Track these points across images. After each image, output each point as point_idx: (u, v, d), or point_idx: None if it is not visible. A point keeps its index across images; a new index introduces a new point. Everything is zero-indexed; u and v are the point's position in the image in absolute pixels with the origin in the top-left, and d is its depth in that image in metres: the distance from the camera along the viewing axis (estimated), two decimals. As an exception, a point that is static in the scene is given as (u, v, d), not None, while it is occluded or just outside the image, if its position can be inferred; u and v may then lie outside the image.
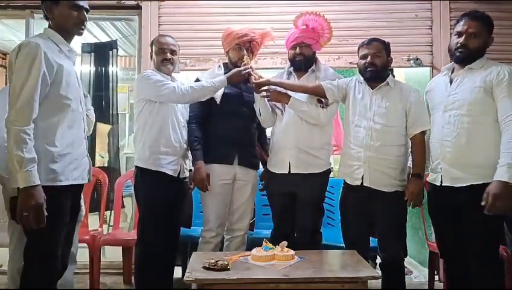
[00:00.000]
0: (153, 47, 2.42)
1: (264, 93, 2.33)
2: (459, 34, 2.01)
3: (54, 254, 1.69)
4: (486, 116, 1.93)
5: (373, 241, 2.36)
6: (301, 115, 2.33)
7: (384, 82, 2.20)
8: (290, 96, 2.31)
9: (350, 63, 3.24)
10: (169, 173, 2.34)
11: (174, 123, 2.37)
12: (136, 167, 2.37)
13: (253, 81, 2.32)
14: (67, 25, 1.77)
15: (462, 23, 2.01)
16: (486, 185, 1.87)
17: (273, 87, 2.35)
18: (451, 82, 2.05)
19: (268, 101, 2.39)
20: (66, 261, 1.82)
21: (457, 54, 2.01)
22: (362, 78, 2.26)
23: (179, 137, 2.39)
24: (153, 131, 2.33)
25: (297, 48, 2.37)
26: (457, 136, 1.97)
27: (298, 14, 2.44)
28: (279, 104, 2.39)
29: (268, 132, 2.68)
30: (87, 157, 1.86)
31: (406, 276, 2.39)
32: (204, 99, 2.35)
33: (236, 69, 2.35)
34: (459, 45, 2.00)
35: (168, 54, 2.38)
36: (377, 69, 2.18)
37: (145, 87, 2.32)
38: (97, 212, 3.19)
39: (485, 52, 2.03)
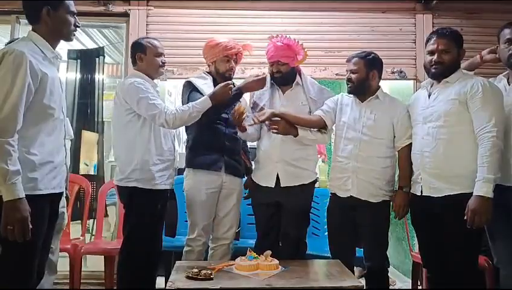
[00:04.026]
0: (146, 49, 2.27)
1: (272, 127, 2.25)
2: (431, 53, 2.08)
3: (30, 263, 1.64)
4: (462, 127, 1.97)
5: (358, 252, 2.38)
6: (308, 143, 2.36)
7: (374, 95, 2.25)
8: (297, 128, 2.28)
9: (336, 74, 3.29)
10: (168, 187, 2.32)
11: (167, 133, 2.32)
12: (129, 187, 2.20)
13: (258, 118, 2.24)
14: (63, 31, 1.74)
15: (431, 42, 2.09)
16: (464, 194, 1.91)
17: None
18: (429, 95, 2.11)
19: (273, 132, 2.28)
20: (42, 269, 1.78)
21: (433, 70, 2.08)
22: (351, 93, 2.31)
23: (172, 148, 2.37)
24: (149, 146, 2.21)
25: (274, 66, 2.36)
26: (436, 147, 2.02)
27: (274, 33, 2.40)
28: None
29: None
30: (65, 165, 1.82)
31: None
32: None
33: (219, 86, 2.26)
34: (433, 62, 2.06)
35: (164, 58, 2.32)
36: (353, 84, 2.25)
37: (136, 98, 2.15)
38: (79, 221, 3.14)
39: (459, 66, 2.09)
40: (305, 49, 2.38)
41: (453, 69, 2.05)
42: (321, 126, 2.34)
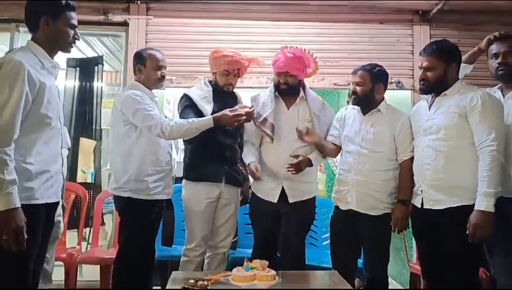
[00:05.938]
0: (145, 61, 2.29)
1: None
2: (420, 69, 2.10)
3: (25, 272, 1.63)
4: (462, 140, 1.97)
5: (360, 263, 2.39)
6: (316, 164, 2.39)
7: (376, 108, 2.25)
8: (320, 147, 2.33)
9: (334, 84, 3.29)
10: (164, 197, 2.32)
11: (164, 144, 2.30)
12: (124, 197, 2.21)
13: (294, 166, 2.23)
14: (61, 42, 1.74)
15: (420, 58, 2.11)
16: (465, 207, 1.91)
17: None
18: (430, 107, 2.10)
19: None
20: (36, 278, 1.76)
21: (421, 86, 2.11)
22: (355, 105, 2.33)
23: (169, 158, 2.36)
24: (145, 157, 2.21)
25: (282, 76, 2.35)
26: (436, 159, 2.01)
27: (282, 44, 2.42)
28: (268, 131, 2.34)
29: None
30: (61, 174, 1.81)
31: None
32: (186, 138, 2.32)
33: (225, 112, 2.23)
34: (420, 79, 2.10)
35: (164, 71, 2.33)
36: (357, 96, 2.25)
37: (132, 110, 2.17)
38: (76, 229, 3.11)
39: (456, 78, 2.07)
40: (316, 61, 2.39)
41: (442, 85, 2.04)
42: (338, 151, 2.38)
